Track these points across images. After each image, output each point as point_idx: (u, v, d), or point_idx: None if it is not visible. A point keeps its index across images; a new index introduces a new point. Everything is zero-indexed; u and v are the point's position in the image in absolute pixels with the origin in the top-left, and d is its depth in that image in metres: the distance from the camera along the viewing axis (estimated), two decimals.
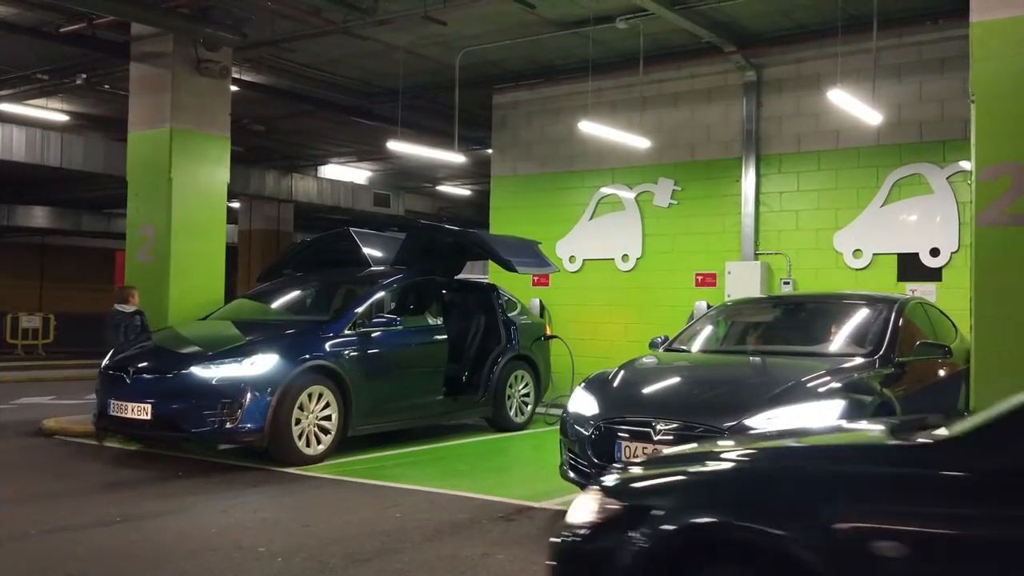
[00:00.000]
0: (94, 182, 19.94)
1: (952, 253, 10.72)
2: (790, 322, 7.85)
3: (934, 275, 10.83)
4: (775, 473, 2.99)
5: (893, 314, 6.93)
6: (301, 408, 8.08)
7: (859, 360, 6.43)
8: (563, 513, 3.42)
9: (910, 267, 10.99)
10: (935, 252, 10.83)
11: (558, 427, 6.59)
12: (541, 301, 13.55)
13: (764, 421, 5.44)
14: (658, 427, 5.65)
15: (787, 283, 11.68)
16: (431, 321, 9.79)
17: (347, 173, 23.50)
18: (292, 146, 20.29)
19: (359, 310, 8.93)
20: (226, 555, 5.25)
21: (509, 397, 10.61)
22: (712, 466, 3.17)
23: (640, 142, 12.34)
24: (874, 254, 11.24)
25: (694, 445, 3.92)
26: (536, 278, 13.49)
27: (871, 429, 3.78)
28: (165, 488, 7.20)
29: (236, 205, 23.23)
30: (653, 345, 7.60)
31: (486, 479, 7.85)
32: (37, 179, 21.28)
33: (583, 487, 4.69)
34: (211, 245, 11.17)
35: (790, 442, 3.44)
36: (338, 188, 23.11)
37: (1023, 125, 6.07)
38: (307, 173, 22.64)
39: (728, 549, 2.83)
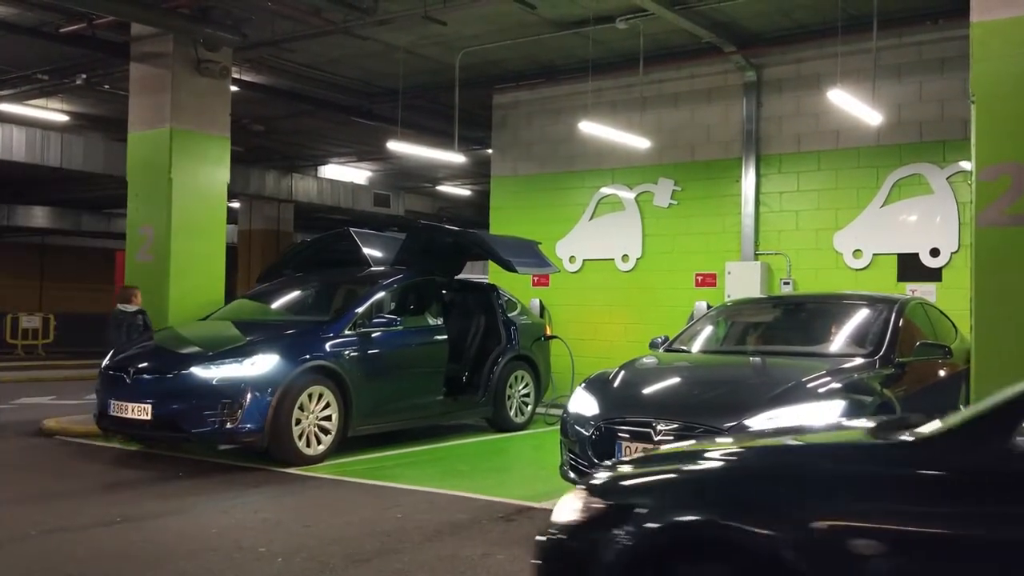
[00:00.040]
0: (94, 182, 19.95)
1: (952, 253, 10.73)
2: (790, 322, 7.85)
3: (934, 275, 10.84)
4: (755, 472, 3.03)
5: (893, 314, 6.93)
6: (301, 408, 8.08)
7: (859, 360, 6.43)
8: None
9: (910, 267, 10.99)
10: (935, 252, 10.83)
11: (558, 427, 6.59)
12: (541, 301, 13.55)
13: (765, 421, 5.44)
14: (658, 427, 5.65)
15: (787, 283, 11.68)
16: (431, 321, 9.80)
17: (347, 173, 23.50)
18: (292, 146, 20.30)
19: (359, 310, 8.93)
20: (226, 555, 5.25)
21: (509, 397, 10.61)
22: (694, 465, 3.20)
23: (640, 142, 12.34)
24: (874, 254, 11.24)
25: (679, 444, 3.99)
26: (536, 278, 13.49)
27: (855, 428, 3.80)
28: (165, 488, 7.20)
29: (236, 205, 23.24)
30: (653, 345, 7.60)
31: (486, 479, 7.86)
32: (37, 179, 21.29)
33: None
34: (211, 245, 11.17)
35: (771, 441, 3.48)
36: (338, 188, 23.11)
37: (1023, 126, 6.07)
38: (307, 173, 22.64)
39: (709, 548, 2.86)
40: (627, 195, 13.18)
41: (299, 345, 8.39)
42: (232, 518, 6.23)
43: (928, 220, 10.93)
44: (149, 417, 7.96)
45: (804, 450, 3.23)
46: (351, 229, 10.86)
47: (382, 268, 10.28)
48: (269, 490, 7.20)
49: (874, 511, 2.61)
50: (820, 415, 5.47)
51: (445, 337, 9.81)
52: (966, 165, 10.47)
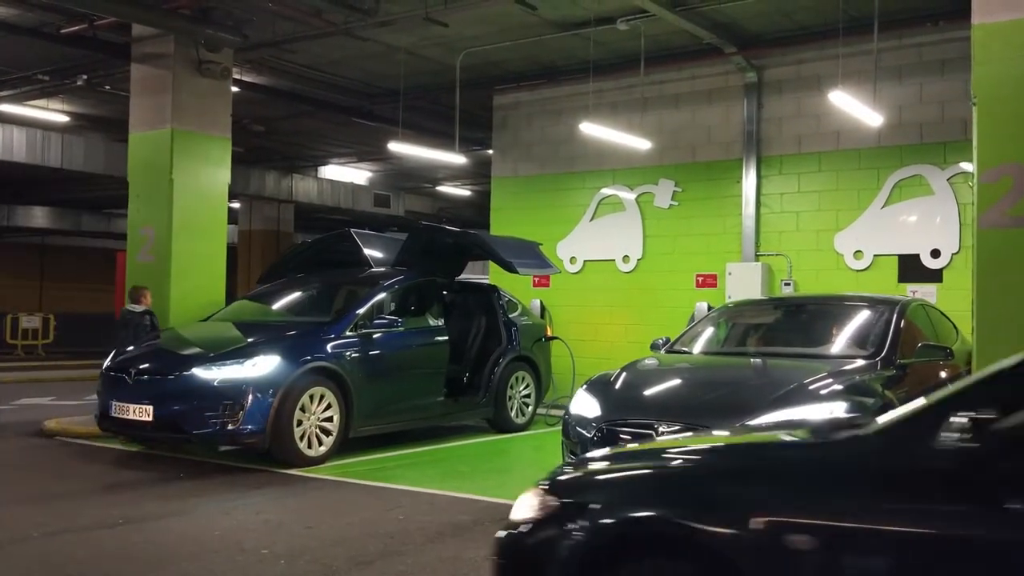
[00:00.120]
0: (94, 182, 19.95)
1: (953, 254, 10.73)
2: (791, 324, 7.86)
3: (935, 276, 10.84)
4: (699, 470, 3.13)
5: (894, 316, 6.94)
6: (303, 409, 8.08)
7: (861, 362, 6.43)
8: None
9: (911, 268, 11.00)
10: (936, 253, 10.84)
11: (559, 428, 6.60)
12: (542, 302, 13.56)
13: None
14: (660, 429, 5.65)
15: (788, 284, 11.69)
16: (432, 322, 9.80)
17: (347, 174, 23.50)
18: (292, 147, 20.30)
19: (360, 311, 8.94)
20: (229, 557, 5.25)
21: (510, 398, 10.61)
22: (643, 464, 3.28)
23: (641, 143, 12.35)
24: (875, 255, 11.25)
25: (635, 444, 4.11)
26: (537, 279, 13.49)
27: (802, 427, 3.83)
28: (167, 490, 7.20)
29: (236, 205, 23.23)
30: (654, 347, 7.60)
31: (487, 480, 7.86)
32: (37, 179, 21.28)
33: None
34: (212, 246, 11.18)
35: (717, 440, 3.57)
36: (338, 189, 23.12)
37: None
38: (307, 174, 22.64)
39: (658, 543, 2.95)
40: (628, 196, 13.18)
41: (300, 346, 8.39)
42: (234, 519, 6.24)
43: (929, 221, 10.94)
44: (150, 418, 7.96)
45: (744, 449, 3.32)
46: (352, 230, 10.86)
47: (383, 269, 10.28)
48: (271, 491, 7.20)
49: (811, 508, 2.68)
50: (822, 417, 5.47)
51: (446, 338, 9.82)
52: (967, 166, 10.48)
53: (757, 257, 11.97)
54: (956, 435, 2.55)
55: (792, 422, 4.88)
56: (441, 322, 9.89)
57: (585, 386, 6.58)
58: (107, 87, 13.99)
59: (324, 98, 15.13)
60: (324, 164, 22.61)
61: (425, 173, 22.38)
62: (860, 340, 6.91)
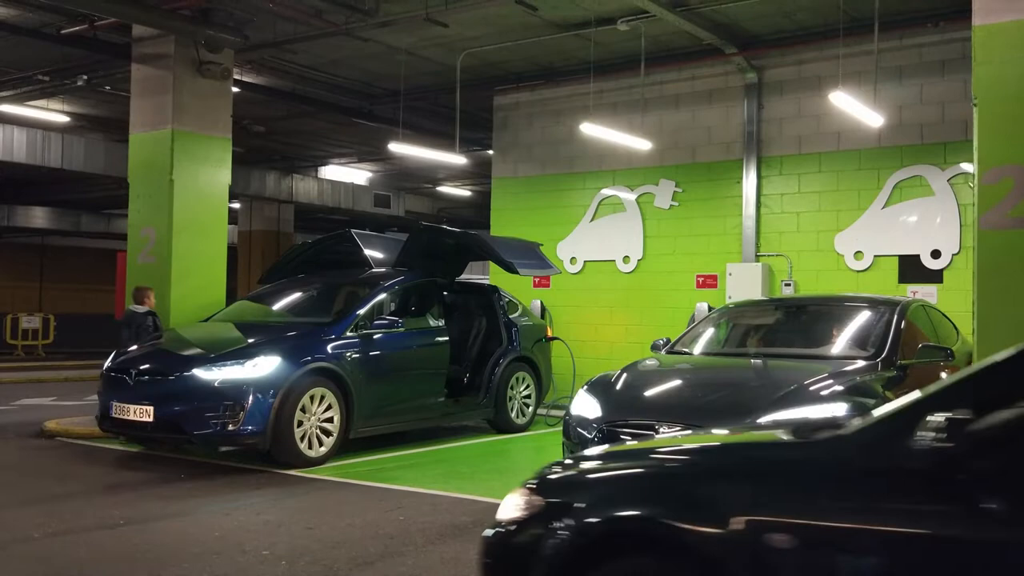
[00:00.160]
0: (94, 182, 19.95)
1: (953, 255, 10.74)
2: (792, 324, 7.86)
3: (935, 277, 10.85)
4: (682, 470, 3.15)
5: (895, 316, 6.94)
6: (303, 410, 8.08)
7: (861, 363, 6.43)
8: None
9: (911, 269, 11.00)
10: (936, 254, 10.84)
11: (559, 429, 6.60)
12: (542, 302, 13.56)
13: None
14: (661, 430, 5.65)
15: (788, 285, 11.69)
16: (432, 323, 9.80)
17: (347, 174, 23.50)
18: (293, 147, 20.31)
19: (361, 312, 8.94)
20: (230, 559, 5.25)
21: (510, 399, 10.61)
22: (629, 464, 3.31)
23: (641, 144, 12.35)
24: (875, 256, 11.25)
25: (620, 444, 4.16)
26: (537, 279, 13.49)
27: (783, 427, 3.84)
28: (167, 490, 7.20)
29: (236, 206, 23.24)
30: (655, 347, 7.61)
31: (488, 481, 7.86)
32: (37, 180, 21.29)
33: None
34: (212, 246, 11.18)
35: (705, 442, 3.57)
36: (338, 189, 23.12)
37: None
38: (307, 174, 22.65)
39: (641, 543, 2.98)
40: (628, 196, 13.18)
41: (301, 347, 8.39)
42: (235, 520, 6.24)
43: (929, 222, 10.94)
44: (151, 419, 7.96)
45: (727, 449, 3.34)
46: (352, 231, 10.87)
47: (383, 270, 10.28)
48: (271, 492, 7.20)
49: (792, 508, 2.71)
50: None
51: (446, 339, 9.82)
52: (967, 167, 10.49)
53: (757, 258, 11.98)
54: (932, 435, 2.58)
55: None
56: (442, 323, 9.89)
57: (586, 387, 6.58)
58: (107, 87, 14.00)
59: (324, 98, 15.13)
60: (324, 164, 22.62)
61: (425, 173, 22.39)
62: (861, 341, 6.91)
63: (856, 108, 10.16)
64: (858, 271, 11.33)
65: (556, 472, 3.40)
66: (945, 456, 2.54)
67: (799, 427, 3.38)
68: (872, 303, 7.45)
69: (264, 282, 11.33)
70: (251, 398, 7.80)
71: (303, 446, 8.09)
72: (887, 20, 10.44)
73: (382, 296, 9.45)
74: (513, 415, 10.63)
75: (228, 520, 6.25)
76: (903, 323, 6.89)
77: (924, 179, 11.01)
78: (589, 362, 12.19)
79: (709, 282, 12.35)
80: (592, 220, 13.53)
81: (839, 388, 5.87)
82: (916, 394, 2.85)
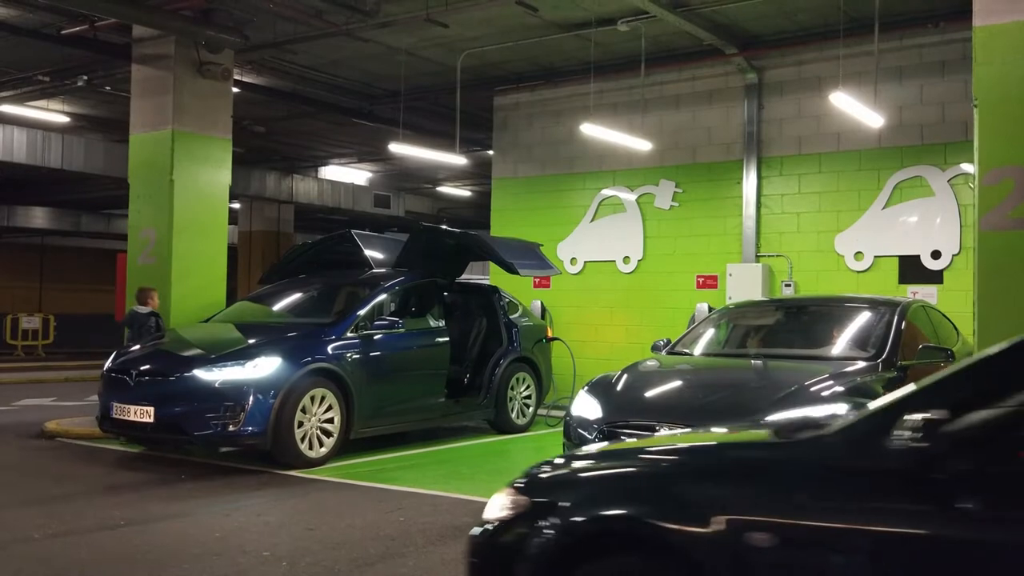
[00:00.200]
0: (93, 182, 19.95)
1: (953, 255, 10.74)
2: (792, 325, 7.86)
3: (935, 277, 10.85)
4: (666, 470, 3.17)
5: (895, 317, 6.94)
6: (304, 411, 8.08)
7: (862, 364, 6.43)
8: None
9: (911, 269, 11.01)
10: (936, 255, 10.85)
11: (560, 429, 6.60)
12: (542, 303, 13.56)
13: None
14: (661, 431, 5.65)
15: (788, 285, 11.69)
16: (433, 323, 9.80)
17: (347, 174, 23.50)
18: (293, 147, 20.31)
19: (361, 313, 8.94)
20: (231, 560, 5.25)
21: (511, 399, 10.61)
22: (613, 464, 3.35)
23: (641, 144, 12.35)
24: (875, 256, 11.25)
25: (604, 444, 4.23)
26: (537, 280, 13.49)
27: (765, 428, 3.86)
28: (168, 491, 7.20)
29: (236, 206, 23.25)
30: (655, 348, 7.61)
31: (489, 482, 7.83)
32: (37, 180, 21.28)
33: None
34: (213, 247, 11.19)
35: (689, 442, 3.60)
36: (338, 189, 23.12)
37: None
38: (307, 174, 22.65)
39: (625, 542, 3.01)
40: (628, 197, 13.19)
41: (301, 348, 8.39)
42: (235, 521, 6.23)
43: (929, 222, 10.94)
44: (151, 419, 7.96)
45: (710, 450, 3.37)
46: (353, 231, 10.87)
47: (384, 270, 10.28)
48: (272, 493, 7.20)
49: (773, 508, 2.73)
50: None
51: (447, 339, 9.82)
52: (967, 167, 10.49)
53: (758, 258, 11.98)
54: (908, 435, 2.61)
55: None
56: (442, 323, 9.89)
57: (586, 388, 6.58)
58: (108, 88, 14.00)
59: (325, 99, 15.13)
60: (324, 165, 22.62)
61: (425, 173, 22.39)
62: (861, 342, 6.91)
63: (856, 109, 10.16)
64: (858, 272, 11.34)
65: (542, 472, 3.43)
66: (921, 456, 2.58)
67: (782, 427, 3.40)
68: (872, 304, 7.45)
69: (264, 282, 11.33)
70: (252, 399, 7.80)
71: (303, 447, 8.09)
72: (887, 21, 10.44)
73: (382, 297, 9.45)
74: (513, 416, 10.63)
75: (228, 521, 6.25)
76: (903, 324, 6.89)
77: (924, 180, 11.02)
78: (589, 363, 12.19)
79: (709, 283, 12.35)
80: (592, 220, 13.53)
81: (840, 389, 5.87)
82: (895, 394, 2.90)
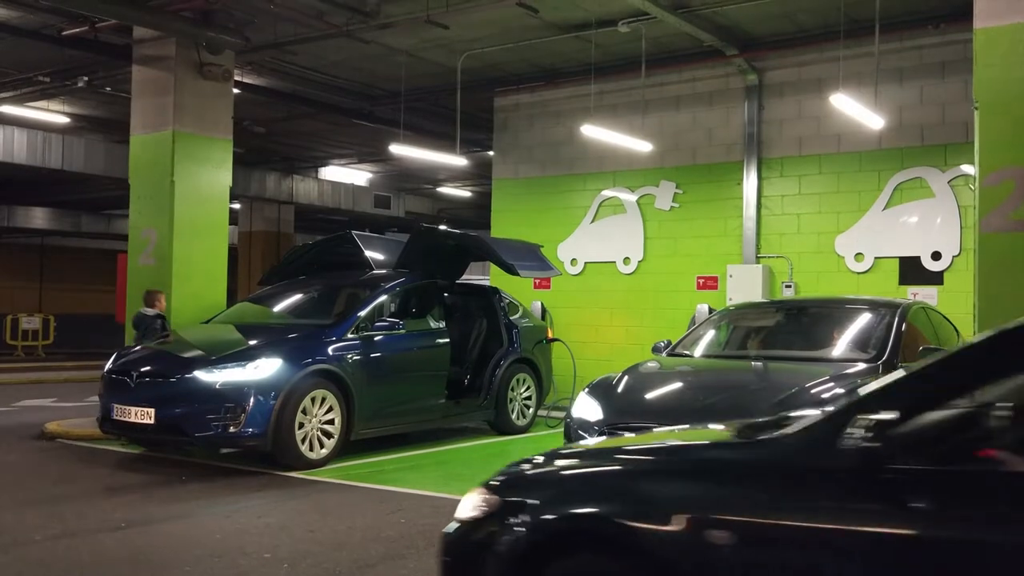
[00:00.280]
0: (94, 183, 19.96)
1: (953, 257, 10.74)
2: (793, 326, 7.86)
3: (935, 279, 10.85)
4: (632, 469, 3.20)
5: (896, 319, 6.94)
6: (304, 412, 8.08)
7: (862, 365, 6.43)
8: None
9: (911, 271, 11.01)
10: (936, 256, 10.85)
11: (560, 430, 6.60)
12: (543, 304, 13.56)
13: None
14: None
15: (789, 287, 11.70)
16: (433, 324, 9.80)
17: (348, 175, 23.51)
18: (293, 148, 20.31)
19: (362, 314, 8.94)
20: (231, 561, 5.25)
21: (511, 400, 10.62)
22: (583, 464, 3.39)
23: (642, 145, 12.35)
24: (876, 258, 11.26)
25: (581, 443, 4.31)
26: (538, 281, 13.49)
27: (727, 428, 3.88)
28: (169, 493, 7.20)
29: (236, 207, 23.24)
30: (656, 350, 7.61)
31: None
32: (37, 180, 21.28)
33: None
34: (213, 247, 11.19)
35: (656, 441, 3.65)
36: (339, 190, 23.13)
37: None
38: (308, 175, 22.65)
39: (593, 541, 3.06)
40: (629, 198, 13.19)
41: (302, 349, 8.40)
42: (236, 523, 6.24)
43: (929, 223, 10.95)
44: (152, 421, 7.96)
45: (676, 449, 3.40)
46: (353, 232, 10.87)
47: (384, 271, 10.28)
48: (272, 494, 7.20)
49: (735, 507, 2.79)
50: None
51: (447, 340, 9.82)
52: (967, 168, 10.49)
53: (758, 259, 11.98)
54: (860, 435, 2.67)
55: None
56: (442, 324, 9.89)
57: (587, 389, 6.58)
58: (108, 89, 14.00)
59: (325, 100, 15.14)
60: (324, 165, 22.62)
61: (426, 174, 22.39)
62: (862, 343, 6.91)
63: (856, 110, 10.16)
64: (858, 273, 11.34)
65: (516, 470, 3.47)
66: (872, 456, 2.64)
67: (745, 427, 3.42)
68: (873, 305, 7.45)
69: (265, 284, 11.34)
70: (252, 400, 7.81)
71: (304, 448, 8.09)
72: (887, 22, 10.44)
73: (383, 298, 9.45)
74: (514, 417, 10.64)
75: (229, 522, 6.25)
76: (904, 325, 6.89)
77: (924, 181, 11.02)
78: (590, 364, 12.19)
79: (710, 284, 12.35)
80: (593, 221, 13.54)
81: (840, 391, 5.86)
82: (851, 395, 2.97)
